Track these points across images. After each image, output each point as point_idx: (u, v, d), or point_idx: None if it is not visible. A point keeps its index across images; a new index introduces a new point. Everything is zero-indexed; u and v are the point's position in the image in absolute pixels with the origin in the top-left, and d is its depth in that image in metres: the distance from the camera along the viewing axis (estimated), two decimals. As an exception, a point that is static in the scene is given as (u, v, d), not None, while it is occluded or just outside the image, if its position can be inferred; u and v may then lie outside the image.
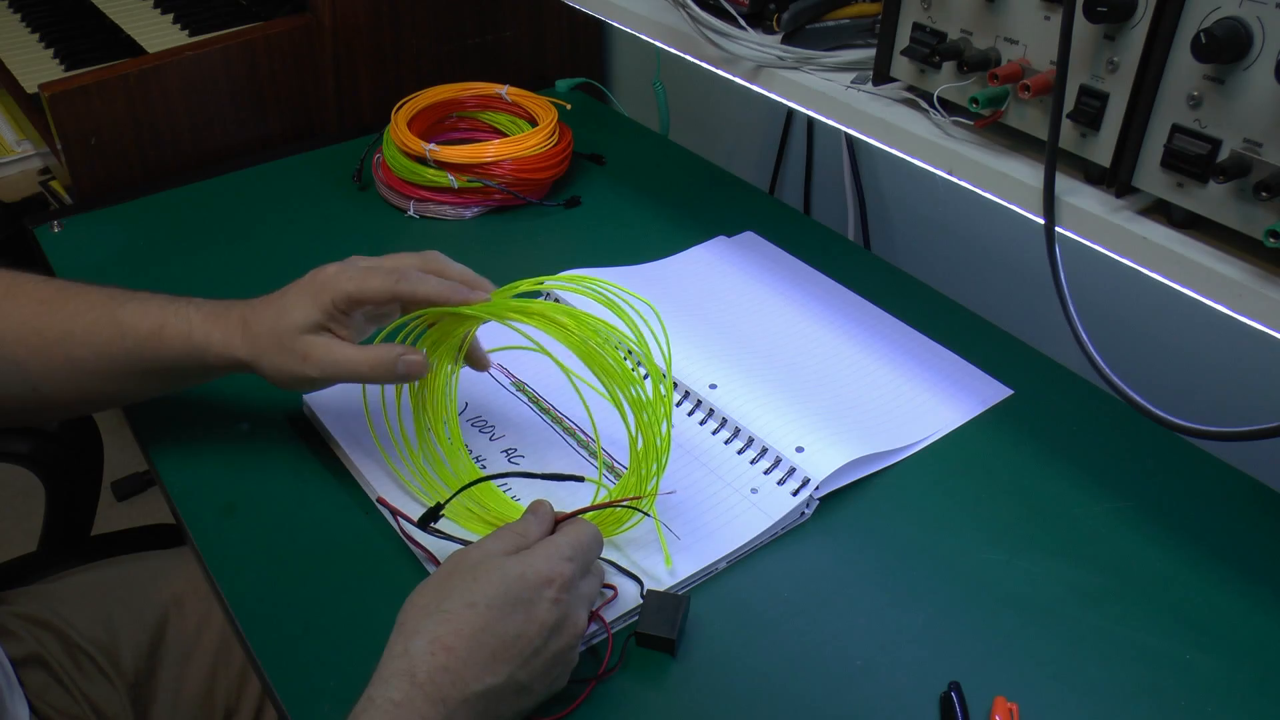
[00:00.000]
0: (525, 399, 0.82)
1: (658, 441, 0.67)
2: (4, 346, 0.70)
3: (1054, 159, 0.60)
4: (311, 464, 0.76)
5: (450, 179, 1.03)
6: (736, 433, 0.77)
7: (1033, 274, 1.04)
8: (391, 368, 0.68)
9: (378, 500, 0.71)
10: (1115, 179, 0.60)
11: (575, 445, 0.77)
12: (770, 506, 0.72)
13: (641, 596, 0.65)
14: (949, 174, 0.68)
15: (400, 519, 0.68)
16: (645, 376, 0.83)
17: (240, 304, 0.72)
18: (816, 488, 0.72)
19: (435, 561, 0.68)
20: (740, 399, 0.79)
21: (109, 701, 0.83)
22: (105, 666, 0.83)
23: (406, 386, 0.74)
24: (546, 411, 0.80)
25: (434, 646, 0.54)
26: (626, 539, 0.69)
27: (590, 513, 0.66)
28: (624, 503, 0.68)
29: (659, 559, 0.68)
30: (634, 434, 0.67)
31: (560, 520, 0.65)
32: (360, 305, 0.69)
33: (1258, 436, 0.52)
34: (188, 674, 0.86)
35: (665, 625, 0.64)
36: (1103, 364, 0.59)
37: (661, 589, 0.66)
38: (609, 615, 0.65)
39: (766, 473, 0.74)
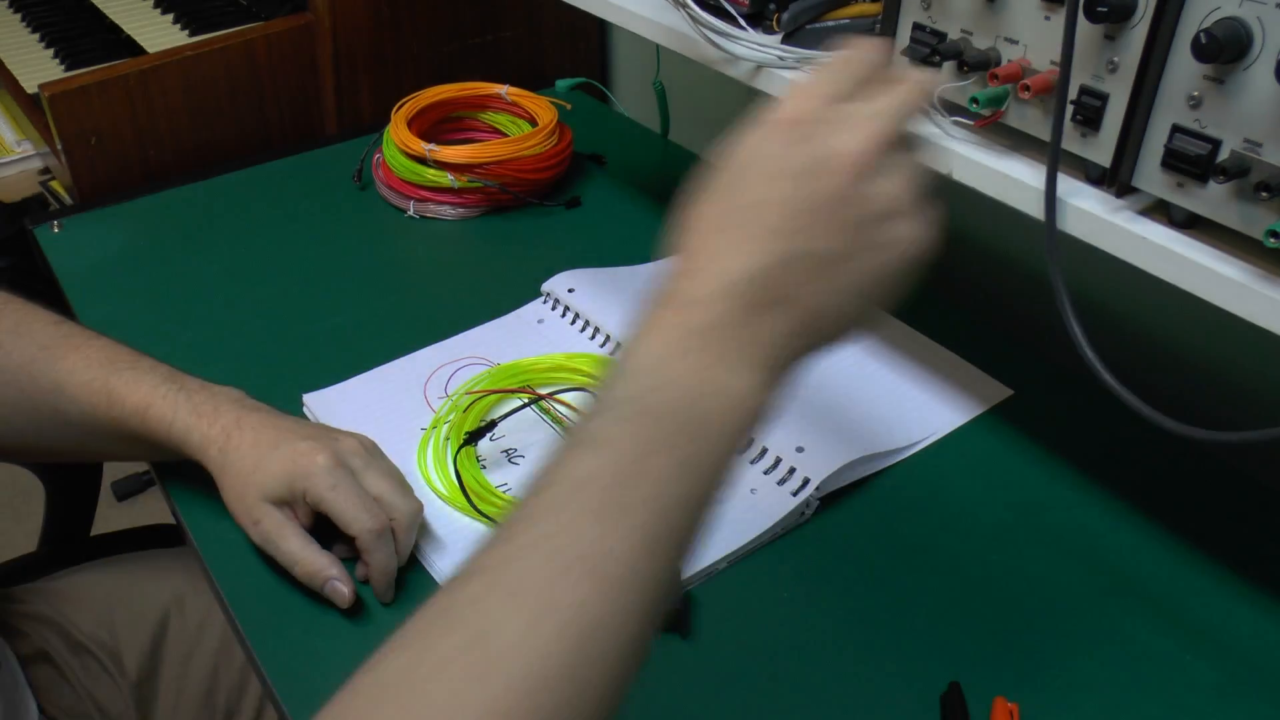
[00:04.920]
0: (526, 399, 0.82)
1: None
2: (4, 387, 0.70)
3: (1056, 159, 0.60)
4: (312, 464, 0.76)
5: (450, 179, 1.03)
6: (736, 433, 0.77)
7: (1032, 274, 1.04)
8: (319, 586, 0.66)
9: None
10: (1115, 179, 0.60)
11: (575, 445, 0.77)
12: (770, 506, 0.72)
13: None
14: (949, 174, 0.68)
15: None
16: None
17: (231, 410, 0.68)
18: (816, 488, 0.72)
19: None
20: (740, 399, 0.78)
21: (113, 700, 0.83)
22: (109, 665, 0.83)
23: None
24: (547, 411, 0.80)
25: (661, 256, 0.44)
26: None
27: None
28: None
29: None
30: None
31: None
32: (323, 513, 0.66)
33: (1258, 443, 0.52)
34: (189, 674, 0.86)
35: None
36: (1101, 368, 0.59)
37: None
38: None
39: (766, 473, 0.74)
